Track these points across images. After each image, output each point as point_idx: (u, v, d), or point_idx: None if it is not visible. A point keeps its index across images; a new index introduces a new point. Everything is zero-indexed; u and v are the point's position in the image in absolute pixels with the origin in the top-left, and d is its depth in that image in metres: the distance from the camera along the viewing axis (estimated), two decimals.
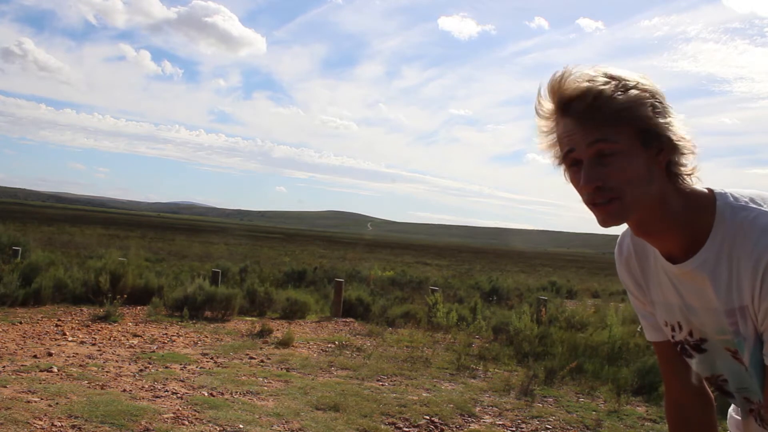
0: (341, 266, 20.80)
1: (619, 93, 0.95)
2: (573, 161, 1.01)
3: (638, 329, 8.76)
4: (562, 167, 1.06)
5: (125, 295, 8.54)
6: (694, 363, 1.20)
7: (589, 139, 0.97)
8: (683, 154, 1.00)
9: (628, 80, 0.96)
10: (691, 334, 1.16)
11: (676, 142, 0.99)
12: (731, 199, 1.02)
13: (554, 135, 1.04)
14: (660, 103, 0.98)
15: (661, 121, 0.97)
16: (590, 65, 0.99)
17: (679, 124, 0.99)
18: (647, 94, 0.96)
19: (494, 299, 14.91)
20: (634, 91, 0.95)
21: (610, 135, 0.96)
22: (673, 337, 1.20)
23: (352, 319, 9.62)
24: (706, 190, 1.05)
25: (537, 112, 1.05)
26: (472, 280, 20.51)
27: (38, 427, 3.65)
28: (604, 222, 1.00)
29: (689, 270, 1.06)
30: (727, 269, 1.01)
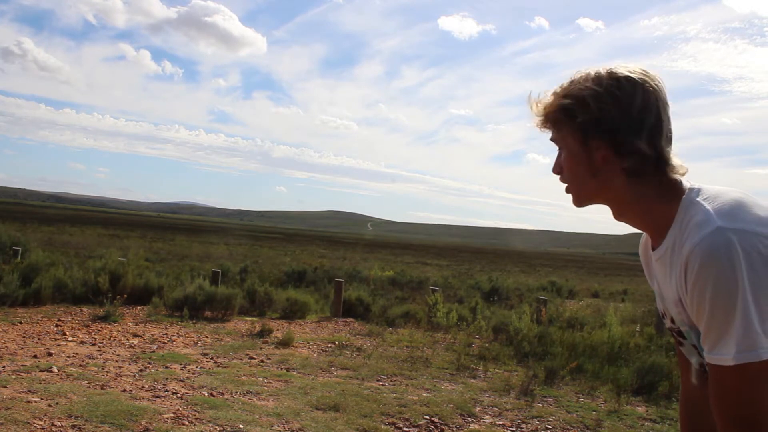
0: (341, 266, 20.80)
1: (561, 96, 1.07)
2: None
3: (637, 329, 8.77)
4: None
5: (125, 295, 8.54)
6: (683, 350, 1.22)
7: (550, 137, 1.13)
8: (632, 153, 1.04)
9: (578, 78, 1.06)
10: (672, 321, 1.18)
11: (617, 139, 1.03)
12: (693, 194, 1.05)
13: None
14: (604, 98, 1.03)
15: (606, 116, 1.03)
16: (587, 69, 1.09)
17: (612, 123, 1.04)
18: (584, 101, 1.04)
19: (494, 299, 14.92)
20: (576, 91, 1.05)
21: (555, 134, 1.11)
22: (665, 324, 1.23)
23: (352, 319, 9.62)
24: (685, 184, 1.08)
25: None
26: (472, 280, 20.51)
27: (38, 427, 3.65)
28: (573, 203, 1.14)
29: (658, 257, 1.11)
30: (674, 261, 1.05)
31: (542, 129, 1.12)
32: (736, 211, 0.99)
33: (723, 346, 0.95)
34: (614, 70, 1.04)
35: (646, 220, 1.10)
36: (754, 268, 0.93)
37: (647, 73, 1.05)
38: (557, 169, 1.13)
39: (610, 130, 1.03)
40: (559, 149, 1.12)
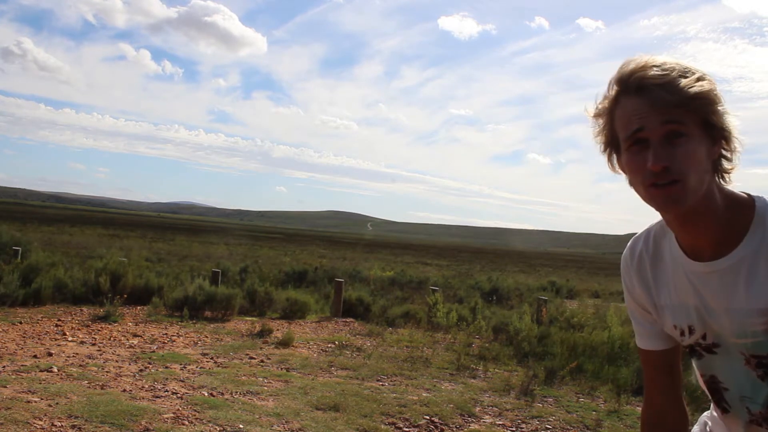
0: (341, 266, 20.81)
1: (694, 81, 0.98)
2: (637, 140, 1.02)
3: None
4: (608, 153, 1.09)
5: (125, 295, 8.55)
6: (701, 363, 1.19)
7: (663, 118, 0.99)
8: (732, 151, 1.04)
9: (696, 69, 1.00)
10: (704, 337, 1.14)
11: (732, 136, 1.02)
12: (766, 200, 1.05)
13: (609, 118, 1.06)
14: (721, 97, 1.01)
15: (724, 114, 1.01)
16: (658, 55, 1.03)
17: (735, 122, 1.03)
18: (715, 88, 1.00)
19: (494, 299, 14.92)
20: (706, 83, 0.99)
21: (683, 117, 0.98)
22: (682, 340, 1.19)
23: (352, 319, 9.62)
24: (742, 193, 1.07)
25: (601, 96, 1.07)
26: (472, 280, 20.51)
27: (38, 427, 3.65)
28: (665, 205, 1.01)
29: (721, 268, 1.06)
30: (766, 269, 1.02)
31: (665, 111, 0.98)
32: None
33: None
34: (694, 67, 1.02)
35: (722, 225, 1.05)
36: None
37: None
38: (663, 160, 0.98)
39: (724, 122, 1.02)
40: (673, 138, 0.99)
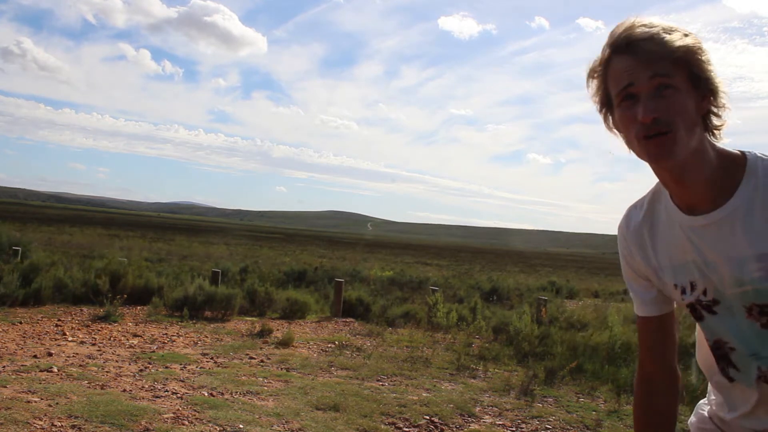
0: (341, 266, 20.80)
1: (680, 37, 1.03)
2: (627, 95, 1.06)
3: None
4: (604, 114, 1.13)
5: (125, 295, 8.54)
6: (704, 325, 1.21)
7: (650, 72, 1.03)
8: (721, 106, 1.08)
9: (685, 30, 1.05)
10: (705, 293, 1.16)
11: (720, 91, 1.07)
12: (760, 155, 1.09)
13: (603, 78, 1.11)
14: (708, 54, 1.06)
15: (710, 68, 1.06)
16: (649, 16, 1.08)
17: (721, 78, 1.07)
18: (700, 43, 1.05)
19: (494, 299, 14.92)
20: (690, 38, 1.04)
21: (670, 71, 1.03)
22: (683, 299, 1.21)
23: (352, 319, 9.62)
24: (735, 151, 1.11)
25: (595, 58, 1.11)
26: (472, 280, 20.51)
27: (38, 427, 3.65)
28: (658, 155, 1.05)
29: (717, 219, 1.09)
30: (761, 215, 1.05)
31: (652, 65, 1.02)
32: None
33: None
34: (681, 27, 1.07)
35: (716, 178, 1.09)
36: None
37: None
38: (652, 111, 1.02)
39: (715, 79, 1.06)
40: (661, 90, 1.03)
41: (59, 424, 3.72)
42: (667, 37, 1.02)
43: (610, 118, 1.12)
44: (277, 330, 7.75)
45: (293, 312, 9.31)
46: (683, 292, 1.20)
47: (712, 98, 1.06)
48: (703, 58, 1.05)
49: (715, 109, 1.07)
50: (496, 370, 6.41)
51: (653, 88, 1.03)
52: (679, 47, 1.02)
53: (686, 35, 1.04)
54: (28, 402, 4.06)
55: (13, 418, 3.71)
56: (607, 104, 1.12)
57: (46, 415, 3.85)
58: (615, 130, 1.12)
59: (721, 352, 1.20)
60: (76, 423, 3.76)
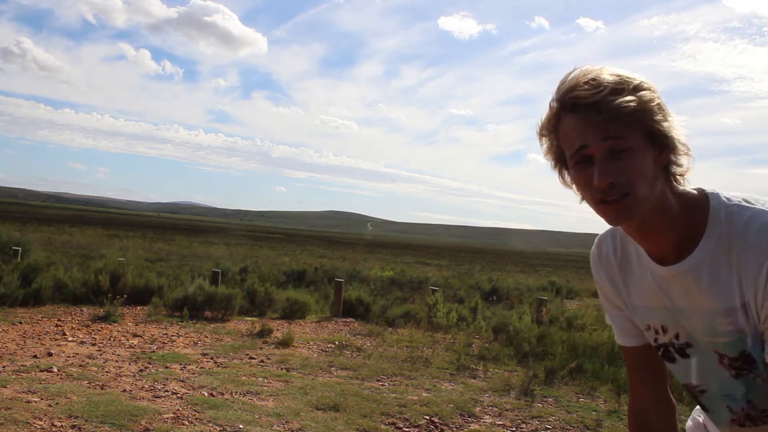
0: (341, 266, 20.80)
1: (630, 92, 0.97)
2: (582, 158, 1.01)
3: None
4: (559, 169, 1.07)
5: (125, 295, 8.54)
6: (675, 367, 1.19)
7: (602, 135, 0.97)
8: (680, 154, 1.02)
9: (637, 81, 0.98)
10: (677, 336, 1.15)
11: (677, 143, 1.01)
12: (724, 199, 1.03)
13: (554, 136, 1.05)
14: (662, 106, 1.00)
15: (666, 122, 1.00)
16: (599, 65, 1.01)
17: (679, 126, 1.02)
18: (655, 96, 0.99)
19: (494, 299, 14.91)
20: (643, 92, 0.98)
21: (622, 132, 0.97)
22: (656, 340, 1.19)
23: (352, 319, 9.62)
24: (696, 191, 1.06)
25: (544, 115, 1.06)
26: (472, 280, 20.51)
27: (38, 427, 3.65)
28: (616, 219, 1.01)
29: (682, 271, 1.06)
30: (726, 268, 1.01)
31: (603, 127, 0.97)
32: None
33: None
34: (637, 75, 1.01)
35: (679, 228, 1.05)
36: None
37: None
38: (607, 176, 0.97)
39: (672, 130, 1.00)
40: (616, 153, 0.98)
41: (59, 424, 3.72)
42: (617, 98, 0.95)
43: (566, 173, 1.07)
44: (277, 330, 7.75)
45: (293, 312, 9.31)
46: (656, 332, 1.18)
47: (670, 150, 1.01)
48: (657, 112, 0.99)
49: (675, 159, 1.02)
50: (496, 370, 6.41)
51: (607, 151, 0.98)
52: (630, 108, 0.96)
53: (638, 90, 0.97)
54: (28, 402, 4.06)
55: (13, 418, 3.71)
56: (561, 161, 1.07)
57: (46, 415, 3.85)
58: (571, 186, 1.07)
59: (692, 393, 1.21)
60: (76, 423, 3.76)
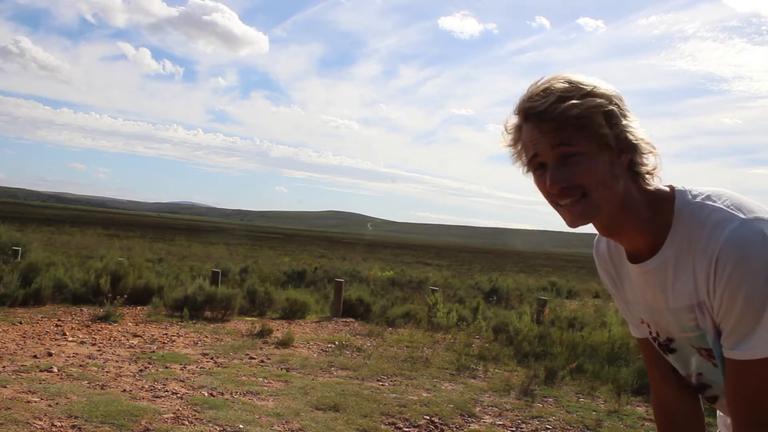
0: (341, 266, 20.79)
1: (578, 98, 0.99)
2: (538, 165, 1.04)
3: None
4: (530, 173, 1.10)
5: (125, 296, 8.54)
6: (671, 360, 1.22)
7: (552, 143, 1.00)
8: (643, 153, 1.04)
9: (585, 85, 1.00)
10: (658, 334, 1.18)
11: (635, 143, 1.02)
12: (689, 196, 1.04)
13: (519, 145, 1.08)
14: (617, 106, 1.02)
15: (619, 123, 1.01)
16: (564, 73, 1.03)
17: (637, 126, 1.03)
18: (603, 99, 1.00)
19: (494, 299, 14.91)
20: (590, 97, 0.99)
21: (572, 138, 0.99)
22: (648, 333, 1.22)
23: (352, 319, 9.62)
24: (667, 188, 1.07)
25: (504, 124, 1.09)
26: (472, 280, 20.50)
27: (38, 427, 3.65)
28: (573, 222, 1.03)
29: (650, 269, 1.08)
30: (687, 267, 1.03)
31: (553, 135, 1.00)
32: (746, 204, 1.00)
33: (757, 339, 0.95)
34: (598, 81, 1.02)
35: (644, 229, 1.06)
36: None
37: None
38: (557, 182, 1.00)
39: (629, 132, 1.02)
40: (567, 158, 1.00)
41: (59, 424, 3.72)
42: (563, 105, 0.97)
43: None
44: (277, 330, 7.74)
45: (293, 312, 9.31)
46: (647, 326, 1.21)
47: (628, 151, 1.02)
48: (607, 115, 0.99)
49: (638, 159, 1.03)
50: (496, 370, 6.41)
51: (558, 157, 1.00)
52: (574, 114, 0.97)
53: (587, 96, 0.98)
54: (28, 402, 4.06)
55: (13, 418, 3.71)
56: (527, 165, 1.09)
57: (46, 415, 3.85)
58: None
59: (696, 384, 1.21)
60: (76, 423, 3.76)
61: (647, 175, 1.05)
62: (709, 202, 1.02)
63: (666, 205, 1.06)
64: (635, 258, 1.12)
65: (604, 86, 1.02)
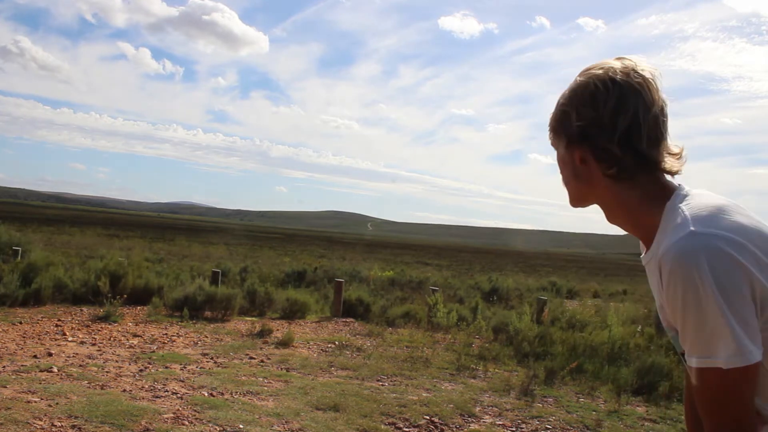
0: (341, 266, 20.79)
1: (556, 106, 1.10)
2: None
3: (638, 329, 8.77)
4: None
5: (125, 296, 8.54)
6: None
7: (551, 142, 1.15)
8: (607, 156, 1.04)
9: (563, 94, 1.09)
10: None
11: (603, 146, 1.03)
12: (679, 199, 1.04)
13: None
14: (570, 110, 1.06)
15: (574, 126, 1.06)
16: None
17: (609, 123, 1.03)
18: (567, 108, 1.07)
19: (494, 299, 14.91)
20: (560, 107, 1.09)
21: (554, 141, 1.13)
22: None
23: (352, 319, 9.62)
24: (675, 187, 1.07)
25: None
26: (472, 280, 20.50)
27: (38, 427, 3.65)
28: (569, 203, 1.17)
29: (645, 264, 1.12)
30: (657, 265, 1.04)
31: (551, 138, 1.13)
32: (713, 216, 0.98)
33: (692, 348, 0.96)
34: (593, 71, 1.05)
35: (635, 225, 1.10)
36: (722, 272, 0.92)
37: (634, 68, 1.03)
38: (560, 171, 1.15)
39: (585, 134, 1.04)
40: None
41: (59, 424, 3.72)
42: (554, 111, 1.11)
43: None
44: (277, 330, 7.74)
45: (293, 312, 9.31)
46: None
47: (584, 151, 1.06)
48: (564, 121, 1.08)
49: (602, 160, 1.05)
50: (496, 370, 6.41)
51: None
52: (552, 118, 1.11)
53: (559, 101, 1.10)
54: (28, 402, 4.06)
55: (13, 418, 3.71)
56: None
57: (46, 415, 3.85)
58: None
59: None
60: (76, 423, 3.76)
61: (657, 171, 1.08)
62: (683, 207, 1.01)
63: (658, 201, 1.06)
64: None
65: (586, 80, 1.09)
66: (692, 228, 0.96)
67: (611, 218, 1.13)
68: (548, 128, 1.13)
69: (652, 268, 1.06)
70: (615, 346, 7.05)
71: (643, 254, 1.22)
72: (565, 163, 1.11)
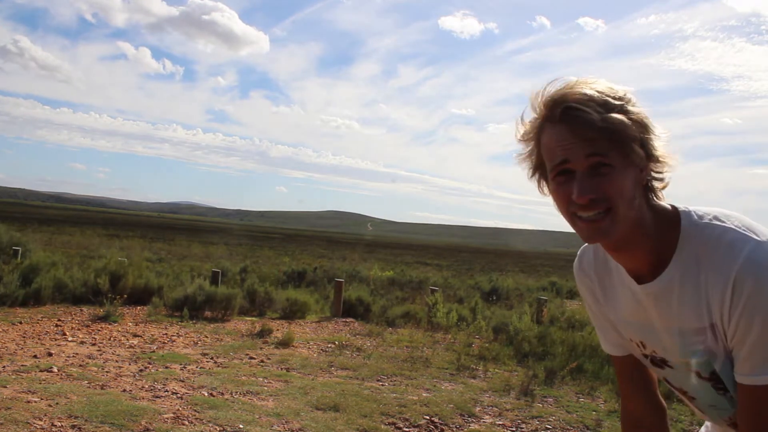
0: (341, 266, 20.79)
1: (620, 109, 0.95)
2: (562, 171, 0.98)
3: None
4: (537, 178, 1.05)
5: (125, 295, 8.54)
6: (664, 373, 1.19)
7: (587, 151, 0.95)
8: (662, 171, 1.01)
9: (626, 96, 0.97)
10: (654, 352, 1.16)
11: (660, 161, 0.99)
12: (695, 217, 1.02)
13: (536, 144, 1.02)
14: (647, 122, 0.98)
15: (651, 138, 0.98)
16: (584, 77, 0.99)
17: (662, 142, 0.99)
18: (641, 114, 0.97)
19: (494, 299, 14.91)
20: (631, 110, 0.96)
21: (607, 149, 0.94)
22: (640, 352, 1.20)
23: (352, 319, 9.62)
24: (670, 207, 1.05)
25: (522, 119, 1.03)
26: (472, 280, 20.50)
27: (38, 427, 3.65)
28: (592, 237, 0.99)
29: (655, 290, 1.05)
30: (695, 288, 1.00)
31: (588, 143, 0.95)
32: (755, 226, 0.98)
33: None
34: (622, 88, 0.98)
35: (653, 247, 1.03)
36: None
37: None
38: (588, 192, 0.95)
39: (651, 147, 0.98)
40: (598, 168, 0.95)
41: (59, 424, 3.72)
42: (605, 115, 0.93)
43: (544, 184, 1.05)
44: (277, 330, 7.75)
45: (293, 312, 9.31)
46: (638, 345, 1.19)
47: (653, 167, 1.00)
48: (643, 132, 0.97)
49: (657, 175, 1.01)
50: (496, 370, 6.41)
51: (589, 167, 0.95)
52: (618, 125, 0.93)
53: (625, 108, 0.95)
54: (28, 402, 4.06)
55: (13, 418, 3.71)
56: (539, 169, 1.04)
57: (46, 415, 3.85)
58: (548, 195, 1.05)
59: (685, 398, 1.21)
60: (76, 423, 3.76)
61: (659, 192, 1.03)
62: (718, 222, 0.99)
63: (672, 224, 1.03)
64: (637, 277, 1.09)
65: (636, 100, 0.98)
66: (757, 239, 0.95)
67: (625, 245, 1.04)
68: (607, 135, 0.94)
69: (676, 292, 1.02)
70: None
71: (600, 280, 1.18)
72: (633, 181, 0.98)
